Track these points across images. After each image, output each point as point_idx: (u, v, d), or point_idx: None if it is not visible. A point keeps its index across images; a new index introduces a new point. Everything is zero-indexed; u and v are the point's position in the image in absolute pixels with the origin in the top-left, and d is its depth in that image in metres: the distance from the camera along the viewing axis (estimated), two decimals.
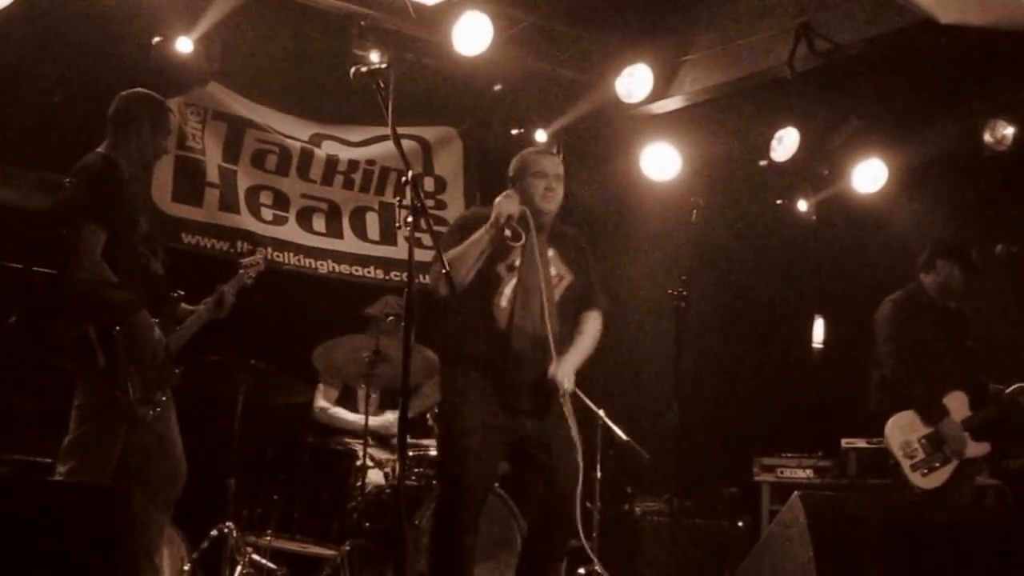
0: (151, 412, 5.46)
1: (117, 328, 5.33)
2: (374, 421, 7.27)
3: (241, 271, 6.26)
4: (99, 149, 5.64)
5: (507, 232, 5.38)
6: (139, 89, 5.80)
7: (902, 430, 6.91)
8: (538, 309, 5.50)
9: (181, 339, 5.75)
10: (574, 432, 5.50)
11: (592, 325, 5.78)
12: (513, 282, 5.52)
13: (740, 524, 8.22)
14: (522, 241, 5.42)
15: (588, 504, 7.59)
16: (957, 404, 6.89)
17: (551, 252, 5.68)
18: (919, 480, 6.80)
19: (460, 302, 5.40)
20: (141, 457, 5.55)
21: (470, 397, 5.46)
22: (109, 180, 5.51)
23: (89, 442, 5.38)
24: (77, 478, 5.27)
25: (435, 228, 5.52)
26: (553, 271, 5.65)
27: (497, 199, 5.45)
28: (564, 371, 5.49)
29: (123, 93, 5.75)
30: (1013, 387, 6.86)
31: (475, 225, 5.54)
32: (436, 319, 5.62)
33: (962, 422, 6.82)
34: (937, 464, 6.80)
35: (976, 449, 6.84)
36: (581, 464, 5.47)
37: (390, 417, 7.44)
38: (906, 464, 6.83)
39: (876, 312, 7.16)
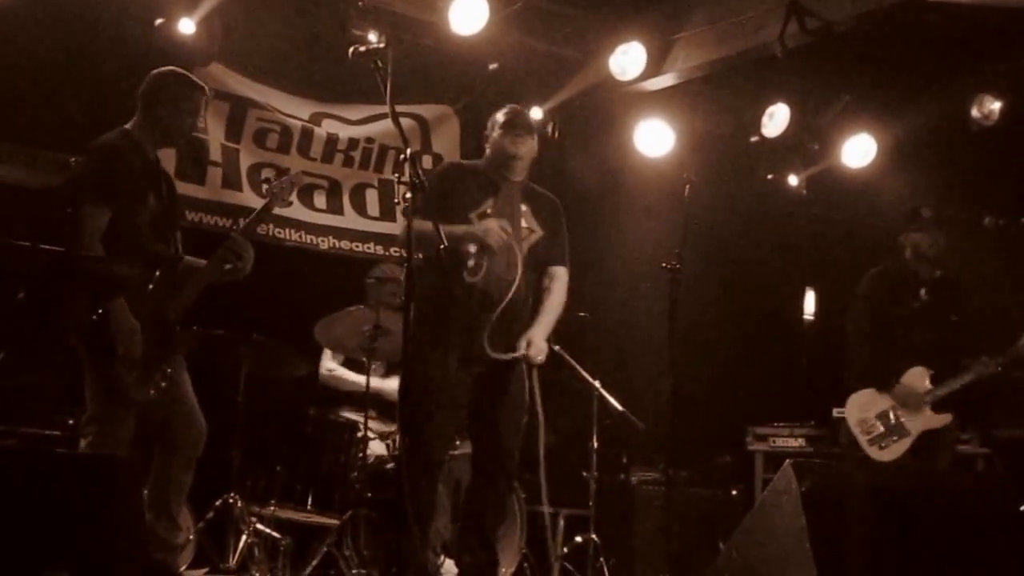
0: (151, 391, 5.42)
1: (99, 312, 5.32)
2: (381, 384, 7.37)
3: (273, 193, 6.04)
4: (126, 125, 5.66)
5: (470, 262, 5.63)
6: (170, 67, 5.78)
7: (860, 407, 7.01)
8: (506, 257, 5.69)
9: (179, 306, 5.61)
10: (534, 395, 5.75)
11: (559, 284, 5.95)
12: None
13: (734, 492, 8.31)
14: (478, 277, 5.64)
15: (584, 474, 7.72)
16: (916, 378, 6.93)
17: (523, 207, 5.89)
18: (877, 454, 6.89)
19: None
20: (160, 422, 5.58)
21: (432, 346, 5.61)
22: (114, 159, 5.49)
23: (100, 418, 5.40)
24: (96, 450, 5.33)
25: None
26: (524, 224, 5.85)
27: (494, 228, 5.62)
28: (537, 347, 5.71)
29: (154, 71, 5.75)
30: (977, 360, 6.87)
31: (450, 180, 5.86)
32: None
33: (923, 393, 6.87)
34: (895, 438, 6.88)
35: (936, 420, 6.88)
36: (542, 426, 5.73)
37: (394, 384, 7.53)
38: (863, 440, 6.93)
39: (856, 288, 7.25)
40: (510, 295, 5.66)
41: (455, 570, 6.18)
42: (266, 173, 8.36)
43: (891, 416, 6.92)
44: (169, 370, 5.52)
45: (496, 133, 5.93)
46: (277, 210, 8.27)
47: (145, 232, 5.53)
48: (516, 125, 5.93)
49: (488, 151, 5.98)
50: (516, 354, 5.69)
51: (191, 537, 6.63)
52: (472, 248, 5.64)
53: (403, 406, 5.67)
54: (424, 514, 5.58)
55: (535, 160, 6.02)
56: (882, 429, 6.91)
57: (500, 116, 5.98)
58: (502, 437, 5.77)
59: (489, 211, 5.77)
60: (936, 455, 6.92)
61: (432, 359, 5.60)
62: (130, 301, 5.36)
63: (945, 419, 6.89)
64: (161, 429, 5.62)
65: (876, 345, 7.03)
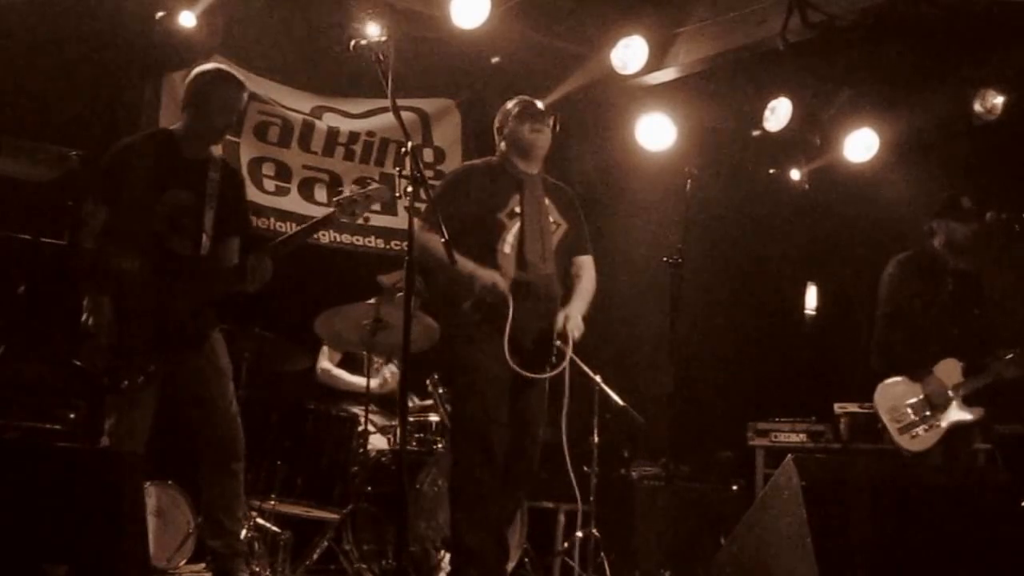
0: (123, 383, 5.39)
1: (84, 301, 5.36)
2: (373, 383, 7.37)
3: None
4: (175, 124, 5.75)
5: (467, 306, 5.58)
6: (211, 65, 5.81)
7: (891, 396, 6.96)
8: (541, 251, 5.65)
9: (189, 306, 5.56)
10: (567, 384, 5.65)
11: (589, 270, 5.95)
12: (516, 228, 5.67)
13: (735, 488, 8.29)
14: (475, 316, 5.57)
15: (586, 468, 7.70)
16: (949, 371, 6.90)
17: (547, 201, 5.85)
18: (907, 443, 6.85)
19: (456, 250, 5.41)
20: (189, 423, 5.62)
21: (476, 340, 5.58)
22: (120, 159, 5.55)
23: (111, 409, 5.48)
24: (111, 439, 5.39)
25: None
26: (551, 218, 5.81)
27: (492, 283, 5.52)
28: (574, 322, 5.64)
29: (196, 69, 5.78)
30: (1008, 355, 6.87)
31: (466, 185, 5.78)
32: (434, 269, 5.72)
33: (953, 387, 6.86)
34: (925, 428, 6.85)
35: (966, 414, 6.87)
36: (564, 420, 5.67)
37: (388, 374, 7.55)
38: (893, 428, 6.89)
39: (883, 272, 7.20)
40: (554, 294, 5.67)
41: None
42: (267, 168, 8.37)
43: (923, 406, 6.89)
44: (152, 367, 5.44)
45: (512, 124, 5.89)
46: (277, 204, 8.38)
47: (159, 229, 5.53)
48: (533, 113, 5.89)
49: (504, 145, 5.95)
50: (559, 369, 5.63)
51: (191, 531, 6.65)
52: (471, 299, 5.59)
53: (457, 395, 5.72)
54: (479, 501, 5.53)
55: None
56: (913, 419, 6.89)
57: (513, 106, 5.96)
58: (533, 435, 5.74)
59: (517, 209, 5.72)
60: (961, 448, 6.89)
61: (484, 351, 5.54)
62: (120, 293, 5.40)
63: (977, 413, 6.88)
64: (196, 436, 5.64)
65: (904, 331, 7.01)
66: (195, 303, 5.60)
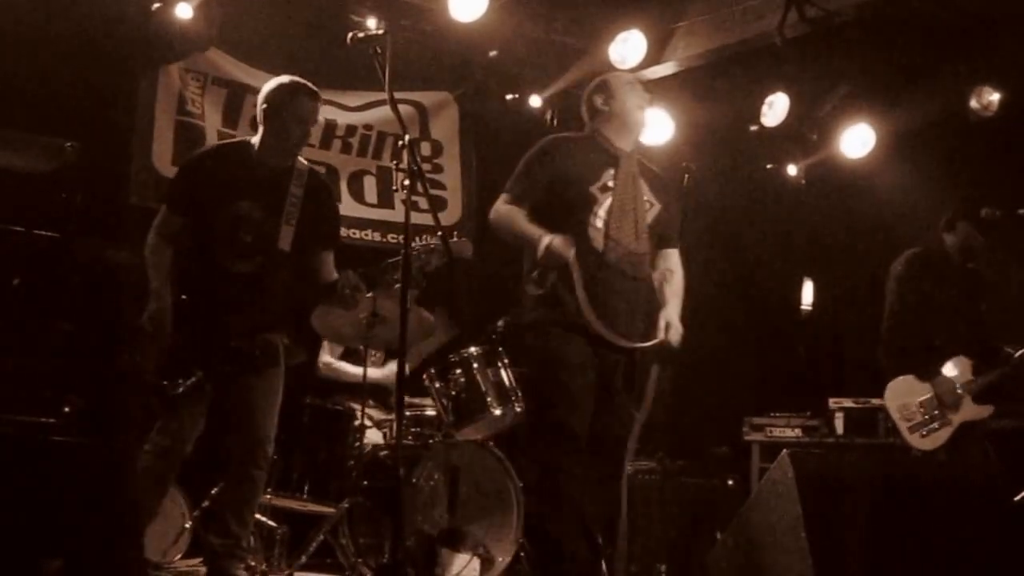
0: (167, 387, 5.36)
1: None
2: (378, 373, 7.38)
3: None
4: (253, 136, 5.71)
5: (534, 275, 5.38)
6: (287, 78, 5.73)
7: (901, 394, 6.98)
8: (633, 229, 5.49)
9: (249, 322, 5.53)
10: (653, 377, 5.56)
11: (679, 267, 5.79)
12: (608, 202, 5.47)
13: (730, 482, 8.30)
14: (542, 289, 5.38)
15: None
16: (960, 369, 6.93)
17: (641, 180, 5.65)
18: (917, 441, 6.88)
19: (545, 227, 5.32)
20: (224, 424, 5.61)
21: (552, 325, 5.40)
22: (188, 171, 5.65)
23: (157, 412, 5.49)
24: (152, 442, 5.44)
25: (431, 192, 5.59)
26: (644, 197, 5.62)
27: (558, 244, 5.27)
28: (676, 330, 5.52)
29: (271, 81, 5.71)
30: (1020, 352, 6.88)
31: (560, 154, 5.56)
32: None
33: (964, 385, 6.87)
34: (936, 426, 6.86)
35: (977, 412, 6.88)
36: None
37: (393, 367, 7.54)
38: (903, 426, 6.91)
39: (893, 264, 7.20)
40: (643, 273, 5.51)
41: (453, 560, 6.22)
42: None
43: (933, 404, 6.91)
44: (197, 376, 5.38)
45: (621, 97, 5.69)
46: None
47: (217, 243, 5.50)
48: (639, 90, 5.73)
49: (600, 119, 5.71)
50: (655, 341, 5.49)
51: (187, 526, 6.65)
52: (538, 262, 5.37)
53: (535, 386, 5.59)
54: (564, 493, 5.36)
55: None
56: (924, 417, 6.90)
57: (618, 80, 5.78)
58: (623, 424, 5.56)
59: (611, 184, 5.50)
60: (970, 446, 6.90)
61: (566, 338, 5.38)
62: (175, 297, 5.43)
63: (986, 411, 6.91)
64: (224, 439, 5.64)
65: (914, 328, 7.02)
66: (254, 323, 5.55)
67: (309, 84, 5.72)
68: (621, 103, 5.68)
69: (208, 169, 5.59)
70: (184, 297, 5.46)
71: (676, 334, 5.50)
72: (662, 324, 5.48)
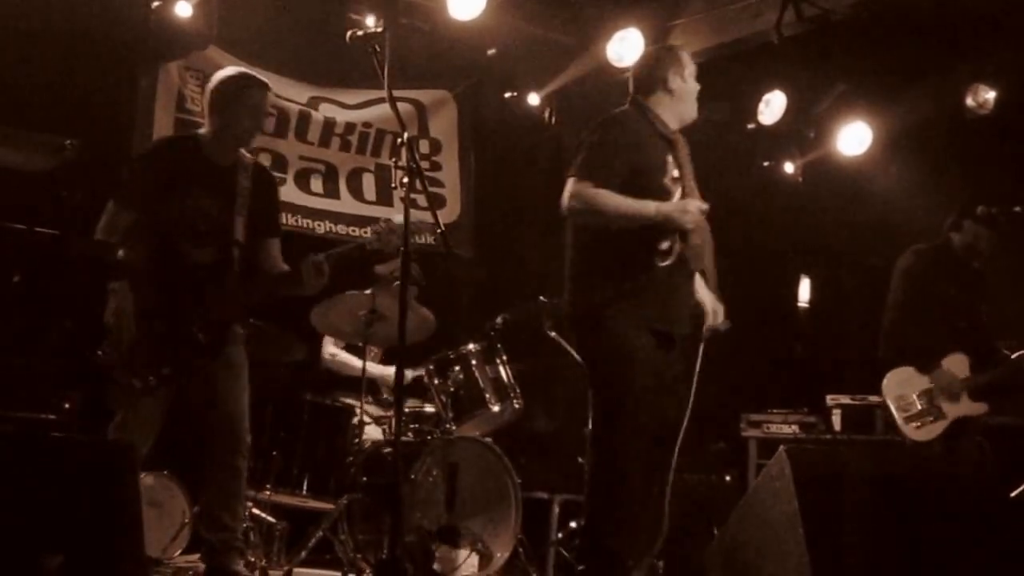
0: (137, 383, 5.38)
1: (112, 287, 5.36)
2: (379, 370, 7.40)
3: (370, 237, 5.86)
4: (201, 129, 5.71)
5: (664, 244, 5.19)
6: (234, 70, 5.75)
7: (899, 384, 7.02)
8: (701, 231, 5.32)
9: (211, 313, 5.53)
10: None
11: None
12: (678, 193, 5.28)
13: (728, 478, 8.31)
14: (669, 261, 5.21)
15: (580, 459, 7.73)
16: (957, 365, 6.97)
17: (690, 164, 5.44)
18: (911, 432, 6.91)
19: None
20: (198, 424, 5.61)
21: (625, 317, 5.25)
22: (140, 164, 5.63)
23: (115, 404, 5.49)
24: (115, 434, 5.41)
25: (430, 189, 5.59)
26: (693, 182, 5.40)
27: (693, 207, 5.17)
28: (722, 314, 5.55)
29: (218, 74, 5.72)
30: (1019, 352, 6.94)
31: (629, 137, 5.27)
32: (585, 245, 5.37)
33: (962, 380, 6.91)
34: (931, 419, 6.90)
35: (972, 408, 6.92)
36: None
37: (391, 369, 7.56)
38: (900, 416, 6.95)
39: (898, 259, 7.23)
40: (702, 265, 5.41)
41: (452, 556, 6.25)
42: (263, 158, 8.39)
43: (931, 398, 6.94)
44: (166, 370, 5.43)
45: (690, 78, 5.45)
46: (282, 199, 8.36)
47: (173, 232, 5.51)
48: (694, 71, 5.49)
49: (668, 95, 5.42)
50: (709, 326, 5.49)
51: (186, 522, 6.66)
52: (667, 233, 5.18)
53: (604, 381, 5.41)
54: (625, 500, 5.31)
55: None
56: (920, 408, 6.94)
57: (675, 57, 5.48)
58: (683, 415, 5.50)
59: (675, 174, 5.29)
60: (963, 442, 6.94)
61: (633, 334, 5.25)
62: (140, 294, 5.40)
63: (981, 408, 6.95)
64: (200, 432, 5.63)
65: (915, 323, 7.04)
66: (218, 311, 5.57)
67: (257, 75, 5.76)
68: (690, 87, 5.46)
69: (160, 163, 5.59)
70: (147, 291, 5.45)
71: (722, 319, 5.54)
72: (710, 310, 5.49)
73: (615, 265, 5.24)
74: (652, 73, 5.48)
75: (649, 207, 5.11)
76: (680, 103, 5.45)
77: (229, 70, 5.77)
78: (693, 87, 5.48)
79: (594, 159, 5.20)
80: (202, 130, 5.72)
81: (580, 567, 5.37)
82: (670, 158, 5.30)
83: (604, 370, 5.38)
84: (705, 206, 5.20)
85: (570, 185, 5.18)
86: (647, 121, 5.38)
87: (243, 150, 5.78)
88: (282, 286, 5.72)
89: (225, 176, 5.65)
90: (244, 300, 5.68)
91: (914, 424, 6.92)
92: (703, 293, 5.54)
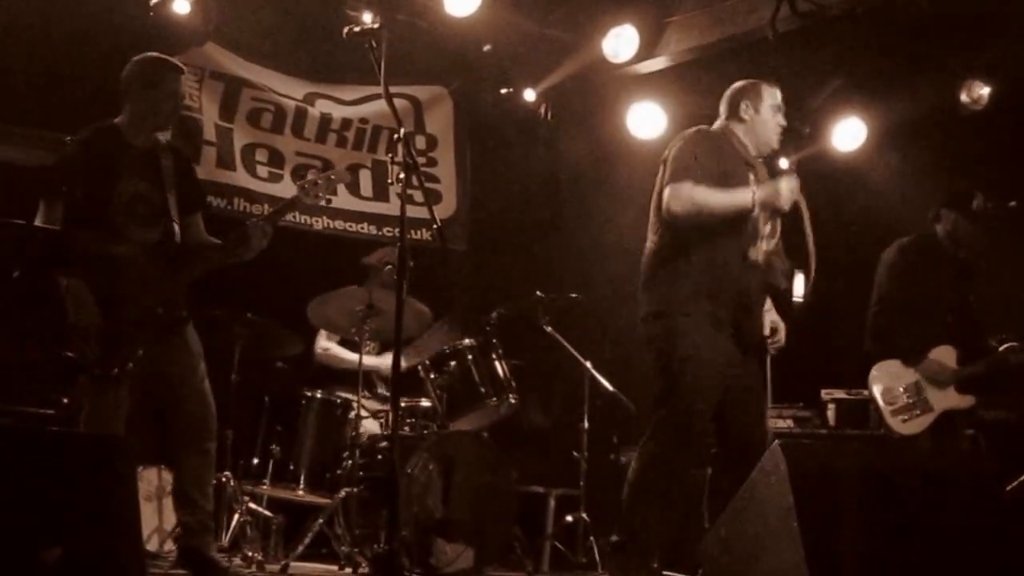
0: (113, 369, 5.39)
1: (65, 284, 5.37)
2: (375, 360, 7.43)
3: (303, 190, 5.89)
4: (118, 117, 5.69)
5: (763, 221, 5.40)
6: (147, 54, 5.75)
7: (886, 377, 7.00)
8: (775, 249, 5.58)
9: (165, 291, 5.56)
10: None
11: None
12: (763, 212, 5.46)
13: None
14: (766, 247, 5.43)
15: (575, 453, 7.77)
16: (943, 357, 6.95)
17: None
18: (898, 426, 6.89)
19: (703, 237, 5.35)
20: (166, 408, 5.63)
21: (694, 317, 5.41)
22: (71, 155, 5.56)
23: (83, 394, 5.50)
24: (87, 428, 5.39)
25: (426, 185, 5.61)
26: None
27: (785, 186, 5.38)
28: (782, 336, 5.63)
29: (134, 59, 5.73)
30: (1006, 345, 6.92)
31: (723, 147, 5.54)
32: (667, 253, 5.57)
33: (949, 373, 6.89)
34: (918, 412, 6.89)
35: (959, 401, 6.91)
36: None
37: (388, 361, 7.58)
38: (887, 409, 6.92)
39: (883, 253, 7.23)
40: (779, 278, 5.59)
41: (448, 550, 6.28)
42: (260, 154, 8.41)
43: (917, 390, 6.94)
44: (140, 352, 5.45)
45: (766, 110, 5.67)
46: (270, 191, 8.39)
47: (118, 217, 5.51)
48: (782, 108, 5.72)
49: (742, 123, 5.69)
50: (777, 345, 5.63)
51: None
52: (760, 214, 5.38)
53: (669, 380, 5.45)
54: (668, 493, 5.42)
55: None
56: (907, 401, 6.92)
57: (771, 93, 5.74)
58: (763, 419, 5.66)
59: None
60: (951, 435, 6.92)
61: (708, 336, 5.39)
62: (103, 280, 5.41)
63: (968, 401, 6.94)
64: (167, 415, 5.65)
65: (901, 316, 7.05)
66: (172, 288, 5.60)
67: (172, 59, 5.78)
68: (763, 119, 5.67)
69: (90, 153, 5.56)
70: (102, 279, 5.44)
71: (780, 341, 5.68)
72: (776, 328, 5.65)
73: (696, 266, 5.42)
74: (731, 99, 5.76)
75: (746, 195, 5.34)
76: (752, 132, 5.69)
77: (145, 55, 5.74)
78: (767, 118, 5.69)
79: (686, 160, 5.38)
80: (118, 118, 5.69)
81: (615, 538, 5.51)
82: (752, 176, 5.50)
83: (662, 360, 5.51)
84: (796, 183, 5.41)
85: (669, 190, 5.36)
86: (728, 142, 5.64)
87: (160, 134, 5.82)
88: (224, 254, 5.73)
89: (149, 159, 5.68)
90: (192, 273, 5.70)
91: (901, 417, 6.92)
92: (772, 312, 5.69)
